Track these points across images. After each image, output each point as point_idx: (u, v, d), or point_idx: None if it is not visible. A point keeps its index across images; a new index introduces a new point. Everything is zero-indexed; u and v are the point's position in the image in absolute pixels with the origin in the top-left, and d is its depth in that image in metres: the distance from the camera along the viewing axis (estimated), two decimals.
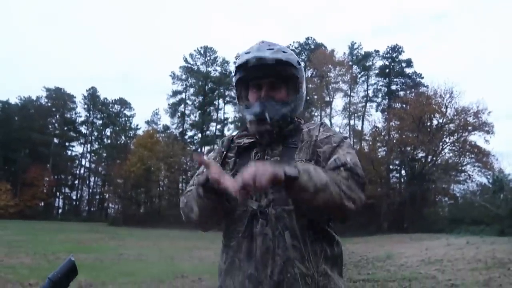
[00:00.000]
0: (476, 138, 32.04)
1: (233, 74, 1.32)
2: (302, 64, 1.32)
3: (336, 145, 1.20)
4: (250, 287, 1.14)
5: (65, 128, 54.74)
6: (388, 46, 43.92)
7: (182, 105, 49.35)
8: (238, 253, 1.17)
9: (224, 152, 1.33)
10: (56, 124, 54.47)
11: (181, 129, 49.35)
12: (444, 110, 32.60)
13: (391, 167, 38.64)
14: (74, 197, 56.19)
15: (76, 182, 56.17)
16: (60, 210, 53.10)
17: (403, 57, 43.55)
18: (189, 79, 49.43)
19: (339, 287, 1.16)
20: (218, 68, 49.16)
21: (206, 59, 49.32)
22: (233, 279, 1.18)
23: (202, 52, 49.27)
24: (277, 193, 1.16)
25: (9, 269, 7.34)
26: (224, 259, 1.24)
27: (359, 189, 1.11)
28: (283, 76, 1.24)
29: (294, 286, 1.10)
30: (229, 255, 1.22)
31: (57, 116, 54.32)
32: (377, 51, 44.14)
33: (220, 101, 49.24)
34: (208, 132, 48.58)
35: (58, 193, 53.77)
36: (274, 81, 1.24)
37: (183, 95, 49.51)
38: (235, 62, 1.33)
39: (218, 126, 48.68)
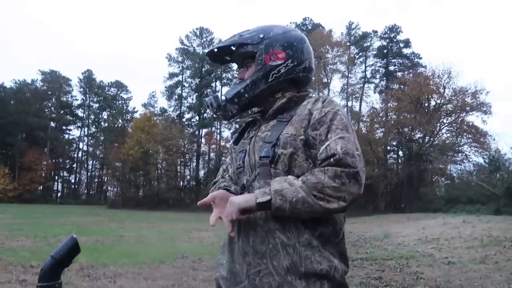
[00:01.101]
0: (474, 118, 32.12)
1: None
2: (282, 33, 1.30)
3: (329, 124, 1.17)
4: (240, 259, 1.18)
5: (62, 112, 54.46)
6: (386, 26, 43.51)
7: (179, 88, 49.04)
8: (235, 227, 1.20)
9: (237, 137, 1.42)
10: (52, 108, 54.15)
11: (178, 112, 49.20)
12: (442, 90, 32.53)
13: (388, 148, 38.79)
14: (73, 181, 56.46)
15: (74, 165, 56.32)
16: (59, 194, 53.38)
17: (401, 37, 43.20)
18: (185, 61, 48.93)
19: (329, 261, 1.11)
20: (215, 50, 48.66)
21: (202, 41, 48.72)
22: (232, 252, 1.22)
23: (198, 33, 48.65)
24: (263, 167, 1.17)
25: (10, 252, 7.39)
26: (228, 234, 1.28)
27: (350, 182, 1.07)
28: (249, 56, 1.30)
29: (276, 256, 1.11)
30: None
31: (53, 99, 53.94)
32: (375, 32, 43.73)
33: (217, 83, 48.94)
34: (205, 115, 48.39)
35: (56, 177, 53.93)
36: (246, 62, 1.32)
37: (179, 77, 49.14)
38: None
39: None
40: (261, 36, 1.28)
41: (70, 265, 0.78)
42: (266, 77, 1.26)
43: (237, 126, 45.94)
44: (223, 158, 45.41)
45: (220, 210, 1.17)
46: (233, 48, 1.31)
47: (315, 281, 1.09)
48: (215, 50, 1.36)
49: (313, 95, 1.34)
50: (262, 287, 1.11)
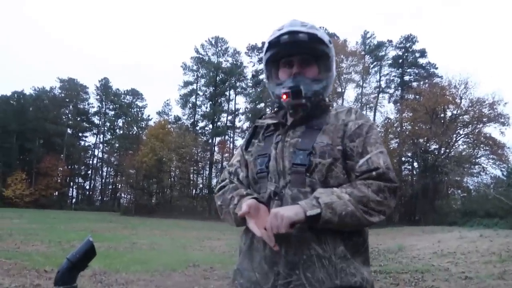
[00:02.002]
0: (491, 129, 31.64)
1: (263, 53, 1.28)
2: (332, 45, 1.27)
3: (365, 137, 1.16)
4: (266, 268, 1.13)
5: (78, 119, 55.44)
6: (401, 36, 43.20)
7: (193, 96, 49.46)
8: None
9: (248, 139, 1.34)
10: (69, 115, 55.21)
11: (192, 120, 49.55)
12: (459, 101, 32.03)
13: (403, 159, 38.25)
14: (87, 187, 57.17)
15: (89, 172, 57.05)
16: (73, 200, 54.05)
17: (416, 47, 42.78)
18: (200, 69, 49.42)
19: (361, 273, 1.10)
20: (229, 59, 49.02)
21: (217, 50, 49.21)
22: (251, 260, 1.18)
23: (213, 42, 49.16)
24: (296, 174, 1.14)
25: (25, 256, 7.49)
26: (244, 240, 1.24)
27: (390, 196, 1.10)
28: (315, 54, 1.23)
29: (311, 268, 1.08)
30: (248, 236, 1.21)
31: (71, 106, 55.02)
32: (390, 41, 43.46)
33: (231, 91, 49.22)
34: (219, 123, 48.65)
35: (71, 183, 54.72)
36: (306, 58, 1.23)
37: (194, 86, 49.59)
38: (263, 43, 1.33)
39: (229, 117, 48.79)
40: (330, 40, 1.25)
41: (86, 268, 0.78)
42: (331, 84, 1.28)
43: (246, 132, 45.69)
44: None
45: (256, 221, 1.12)
46: (305, 39, 1.18)
47: None
48: (287, 35, 1.18)
49: (350, 103, 1.34)
50: None
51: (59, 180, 49.87)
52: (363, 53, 42.01)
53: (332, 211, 1.04)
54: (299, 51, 1.22)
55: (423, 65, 42.69)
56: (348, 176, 1.15)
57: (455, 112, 32.74)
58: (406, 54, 43.03)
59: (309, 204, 1.06)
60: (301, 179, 1.13)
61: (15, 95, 50.43)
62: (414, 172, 38.16)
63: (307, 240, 1.09)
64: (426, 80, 38.63)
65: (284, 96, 1.19)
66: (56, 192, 49.79)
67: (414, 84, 40.84)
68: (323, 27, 45.37)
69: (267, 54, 1.26)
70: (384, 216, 1.10)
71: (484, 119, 31.07)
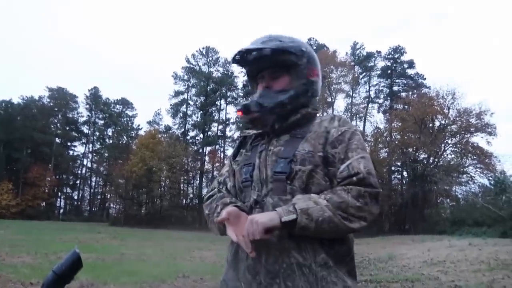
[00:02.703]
0: (478, 139, 31.98)
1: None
2: (312, 50, 1.28)
3: (347, 143, 1.16)
4: (249, 278, 1.13)
5: (67, 128, 54.83)
6: (390, 47, 43.91)
7: (184, 106, 49.39)
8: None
9: (236, 149, 1.36)
10: (58, 124, 54.54)
11: (183, 130, 49.40)
12: (447, 111, 32.54)
13: (392, 168, 38.57)
14: (76, 197, 56.30)
15: (78, 182, 56.28)
16: (61, 210, 53.17)
17: (405, 58, 43.53)
18: (191, 79, 49.45)
19: (343, 282, 1.09)
20: (220, 69, 49.18)
21: (208, 60, 49.34)
22: (236, 271, 1.18)
23: (204, 52, 49.31)
24: (277, 182, 1.14)
25: (10, 268, 7.33)
26: (229, 250, 1.24)
27: (372, 202, 1.09)
28: (283, 65, 1.23)
29: (291, 276, 1.07)
30: (233, 246, 1.21)
31: (59, 116, 54.39)
32: (379, 52, 44.13)
33: (222, 101, 49.30)
34: (210, 133, 48.55)
35: (59, 193, 53.86)
36: (275, 70, 1.25)
37: (185, 96, 49.55)
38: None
39: (220, 127, 48.77)
40: (304, 49, 1.24)
41: (72, 281, 0.77)
42: (306, 91, 1.24)
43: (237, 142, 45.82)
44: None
45: (235, 228, 1.13)
46: (268, 53, 1.20)
47: None
48: (265, 51, 1.20)
49: (340, 113, 1.33)
50: None
51: (46, 190, 49.03)
52: (352, 63, 42.56)
53: (308, 217, 1.04)
54: (264, 66, 1.26)
55: (412, 75, 43.39)
56: (331, 183, 1.14)
57: (443, 122, 33.23)
58: (394, 65, 43.73)
59: (285, 210, 1.06)
60: (282, 187, 1.14)
61: (3, 104, 49.71)
62: (404, 182, 38.49)
63: (287, 248, 1.09)
64: (415, 91, 39.22)
65: (239, 113, 1.23)
66: (44, 203, 48.91)
67: (403, 94, 41.46)
68: (313, 38, 46.00)
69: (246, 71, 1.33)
70: (366, 222, 1.08)
71: (471, 129, 31.56)
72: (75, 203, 55.59)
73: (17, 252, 9.99)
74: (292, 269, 1.08)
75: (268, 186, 1.16)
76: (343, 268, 1.12)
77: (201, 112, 48.72)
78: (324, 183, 1.14)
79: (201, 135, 48.47)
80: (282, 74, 1.25)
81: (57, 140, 53.22)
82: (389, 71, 43.61)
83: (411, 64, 43.22)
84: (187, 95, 49.54)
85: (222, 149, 48.26)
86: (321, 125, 1.22)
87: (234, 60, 1.27)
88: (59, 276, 0.75)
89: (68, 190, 55.77)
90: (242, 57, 1.25)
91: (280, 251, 1.09)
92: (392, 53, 43.63)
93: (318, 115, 1.30)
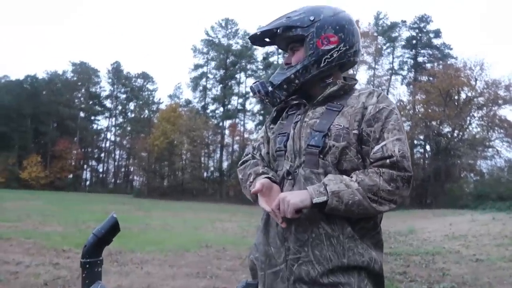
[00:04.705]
0: (507, 112, 31.23)
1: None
2: (332, 14, 1.24)
3: (384, 122, 1.14)
4: (278, 243, 1.17)
5: (91, 102, 55.85)
6: (415, 16, 42.16)
7: (204, 79, 49.30)
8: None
9: (274, 115, 1.38)
10: (82, 98, 55.61)
11: (203, 103, 49.53)
12: (474, 83, 31.46)
13: (415, 142, 37.88)
14: (101, 170, 57.95)
15: (102, 155, 57.79)
16: (87, 182, 54.99)
17: (431, 27, 41.69)
18: (210, 52, 49.08)
19: (369, 254, 1.11)
20: (240, 41, 48.50)
21: (227, 32, 48.71)
22: (267, 235, 1.22)
23: (223, 24, 48.63)
24: (310, 155, 1.15)
25: (43, 236, 7.74)
26: (262, 217, 1.28)
27: (403, 186, 1.08)
28: (297, 39, 1.24)
29: (319, 246, 1.10)
30: (265, 213, 1.25)
31: (83, 90, 55.35)
32: (404, 22, 42.41)
33: (242, 74, 48.89)
34: (229, 106, 48.55)
35: (85, 166, 55.54)
36: (293, 46, 1.26)
37: (204, 69, 49.36)
38: None
39: (240, 100, 48.59)
40: (312, 18, 1.22)
41: (111, 243, 0.82)
42: (318, 62, 1.21)
43: (260, 118, 46.03)
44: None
45: (267, 199, 1.16)
46: (278, 32, 1.24)
47: (356, 272, 1.09)
48: (258, 33, 1.29)
49: (362, 85, 1.30)
50: (299, 274, 1.11)
51: (73, 163, 50.69)
52: (375, 34, 41.18)
53: (339, 200, 1.05)
54: (282, 43, 1.30)
55: (438, 46, 41.67)
56: (363, 161, 1.14)
57: (469, 94, 32.20)
58: (420, 35, 42.01)
59: (317, 191, 1.07)
60: (314, 160, 1.14)
61: (28, 78, 50.88)
62: (426, 155, 37.85)
63: (317, 219, 1.11)
64: (440, 62, 37.84)
65: (251, 93, 1.30)
66: (71, 175, 50.68)
67: (428, 65, 40.03)
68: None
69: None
70: (395, 205, 1.09)
71: (499, 101, 30.52)
72: (100, 175, 57.30)
73: (49, 221, 10.50)
74: (321, 239, 1.11)
75: (301, 158, 1.17)
76: (368, 240, 1.14)
77: (221, 85, 48.58)
78: (357, 161, 1.14)
79: (221, 109, 48.52)
80: (299, 48, 1.25)
81: (82, 114, 54.45)
82: (414, 41, 41.99)
83: (437, 33, 41.45)
84: (207, 69, 49.35)
85: (242, 122, 48.35)
86: (359, 100, 1.19)
87: (252, 43, 1.35)
88: (99, 238, 0.80)
89: (94, 163, 57.43)
90: (254, 40, 1.32)
91: (310, 221, 1.12)
92: (418, 22, 41.87)
93: (356, 87, 1.28)
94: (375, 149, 1.12)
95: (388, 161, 1.09)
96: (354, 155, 1.13)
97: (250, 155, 1.36)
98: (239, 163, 1.38)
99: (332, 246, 1.10)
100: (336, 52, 1.21)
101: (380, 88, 41.29)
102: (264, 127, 1.40)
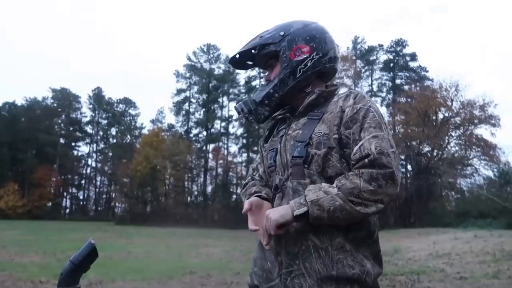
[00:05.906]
0: (482, 131, 31.85)
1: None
2: (301, 27, 1.27)
3: (361, 122, 1.13)
4: (272, 258, 1.19)
5: (71, 128, 55.02)
6: (392, 40, 43.66)
7: (187, 103, 49.38)
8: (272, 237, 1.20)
9: (267, 134, 1.41)
10: (62, 125, 54.76)
11: (186, 127, 49.40)
12: (450, 103, 32.39)
13: None
14: (81, 197, 56.55)
15: (83, 181, 56.49)
16: (67, 210, 53.47)
17: (407, 50, 43.24)
18: (192, 77, 49.40)
19: (361, 266, 1.09)
20: (222, 66, 49.05)
21: (209, 57, 49.27)
22: (263, 251, 1.23)
23: (205, 49, 49.23)
24: (296, 167, 1.16)
25: (20, 268, 7.43)
26: None
27: (387, 184, 1.06)
28: (272, 56, 1.28)
29: (308, 258, 1.10)
30: None
31: (63, 116, 54.59)
32: (381, 45, 43.88)
33: (225, 98, 49.21)
34: (213, 130, 48.60)
35: (65, 193, 54.15)
36: (270, 63, 1.31)
37: (187, 93, 49.52)
38: None
39: (223, 124, 48.72)
40: (282, 33, 1.25)
41: (88, 270, 0.81)
42: (294, 73, 1.23)
43: (244, 141, 46.15)
44: (230, 173, 45.37)
45: (255, 218, 1.17)
46: (254, 52, 1.29)
47: (346, 285, 1.08)
48: (237, 56, 1.33)
49: (342, 90, 1.32)
50: (293, 287, 1.10)
51: (52, 191, 49.33)
52: (354, 57, 42.36)
53: (320, 208, 1.05)
54: (260, 63, 1.34)
55: (414, 68, 43.13)
56: (348, 165, 1.13)
57: (446, 114, 33.10)
58: (397, 58, 43.48)
59: (297, 203, 1.08)
60: (300, 171, 1.15)
61: (6, 105, 49.99)
62: (408, 175, 38.38)
63: (305, 231, 1.12)
64: (417, 83, 39.02)
65: (236, 113, 1.36)
66: (50, 203, 49.22)
67: (406, 87, 41.21)
68: None
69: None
70: (383, 204, 1.07)
71: (475, 121, 31.41)
72: (81, 202, 55.89)
73: (26, 252, 10.12)
74: (310, 251, 1.10)
75: (288, 170, 1.19)
76: (365, 251, 1.13)
77: (204, 109, 48.72)
78: (340, 166, 1.13)
79: (204, 133, 48.49)
80: (275, 64, 1.28)
81: (62, 140, 53.45)
82: (391, 64, 43.36)
83: (413, 56, 42.96)
84: (189, 93, 49.53)
85: (225, 146, 48.31)
86: (337, 104, 1.20)
87: (234, 67, 1.42)
88: (76, 265, 0.78)
89: (74, 190, 56.07)
90: (235, 64, 1.38)
91: (298, 234, 1.12)
92: (394, 46, 43.39)
93: (337, 92, 1.30)
94: (354, 150, 1.11)
95: (366, 160, 1.07)
96: (337, 160, 1.13)
97: (249, 177, 1.38)
98: (242, 187, 1.38)
99: (320, 258, 1.09)
100: (310, 61, 1.23)
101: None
102: (259, 147, 1.43)
